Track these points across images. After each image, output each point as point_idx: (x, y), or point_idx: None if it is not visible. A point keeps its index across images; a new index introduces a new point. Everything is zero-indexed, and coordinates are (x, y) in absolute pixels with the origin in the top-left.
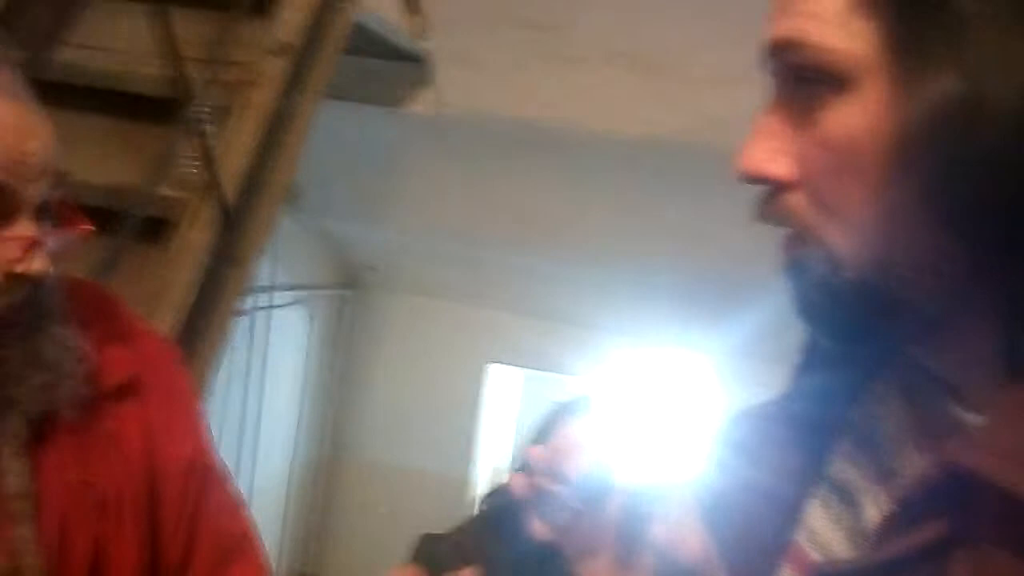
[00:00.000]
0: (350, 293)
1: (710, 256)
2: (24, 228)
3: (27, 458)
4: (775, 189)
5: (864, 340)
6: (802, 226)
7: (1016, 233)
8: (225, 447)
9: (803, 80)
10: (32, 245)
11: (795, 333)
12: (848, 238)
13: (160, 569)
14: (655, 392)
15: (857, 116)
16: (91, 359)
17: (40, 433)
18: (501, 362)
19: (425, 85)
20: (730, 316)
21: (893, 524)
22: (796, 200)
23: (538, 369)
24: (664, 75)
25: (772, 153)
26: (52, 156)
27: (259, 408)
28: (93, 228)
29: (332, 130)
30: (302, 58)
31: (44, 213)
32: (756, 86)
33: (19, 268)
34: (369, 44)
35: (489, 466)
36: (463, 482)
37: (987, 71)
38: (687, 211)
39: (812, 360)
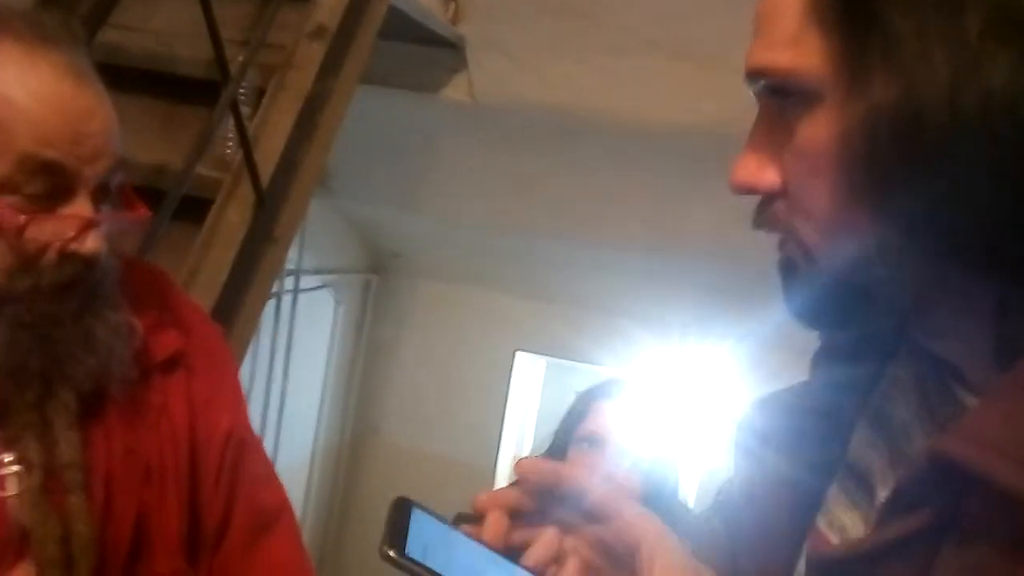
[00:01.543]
0: (377, 278)
1: (742, 245)
2: (80, 208)
3: (79, 430)
4: (765, 199)
5: (849, 327)
6: (785, 230)
7: (962, 226)
8: None
9: (779, 98)
10: (87, 225)
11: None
12: (818, 235)
13: (199, 538)
14: (681, 381)
15: (820, 126)
16: (141, 336)
17: (90, 406)
18: (527, 350)
19: (459, 71)
20: (761, 306)
21: (889, 511)
22: (781, 208)
23: (564, 358)
24: (702, 63)
25: (760, 166)
26: (113, 139)
27: (283, 391)
28: (151, 213)
29: (364, 114)
30: (339, 42)
31: (103, 195)
32: None
33: (72, 247)
34: (404, 29)
35: (512, 453)
36: (486, 468)
37: (916, 81)
38: (721, 200)
39: (831, 347)
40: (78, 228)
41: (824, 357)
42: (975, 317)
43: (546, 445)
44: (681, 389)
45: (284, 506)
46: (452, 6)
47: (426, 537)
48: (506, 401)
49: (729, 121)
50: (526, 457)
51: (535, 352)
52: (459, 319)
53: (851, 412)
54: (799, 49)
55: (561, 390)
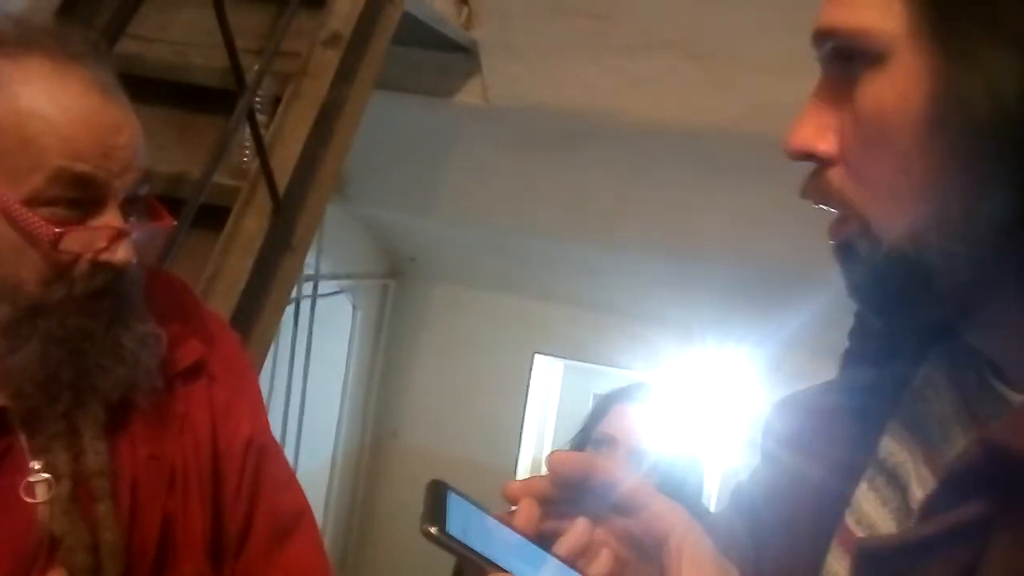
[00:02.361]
0: (394, 282)
1: (760, 247)
2: (110, 218)
3: (105, 438)
4: (819, 166)
5: (906, 313)
6: (842, 201)
7: None
8: None
9: (842, 60)
10: (118, 235)
11: (843, 326)
12: (882, 209)
13: (222, 543)
14: (700, 383)
15: (887, 88)
16: (164, 344)
17: (116, 414)
18: (545, 352)
19: (473, 76)
20: (779, 308)
21: (935, 502)
22: (836, 175)
23: (583, 360)
24: (716, 63)
25: (817, 130)
26: (140, 151)
27: (303, 396)
28: (176, 223)
29: (379, 119)
30: (353, 49)
31: (131, 206)
32: (811, 73)
33: (103, 256)
34: (418, 35)
35: (531, 455)
36: (506, 471)
37: (1015, 51)
38: (738, 201)
39: (861, 345)
40: (109, 238)
41: (852, 358)
42: (1022, 313)
43: (566, 447)
44: (700, 391)
45: (304, 511)
46: (465, 11)
47: (463, 519)
48: (525, 404)
49: (744, 120)
50: (558, 449)
51: (553, 355)
52: (476, 322)
53: (878, 413)
54: (876, 8)
55: (580, 393)
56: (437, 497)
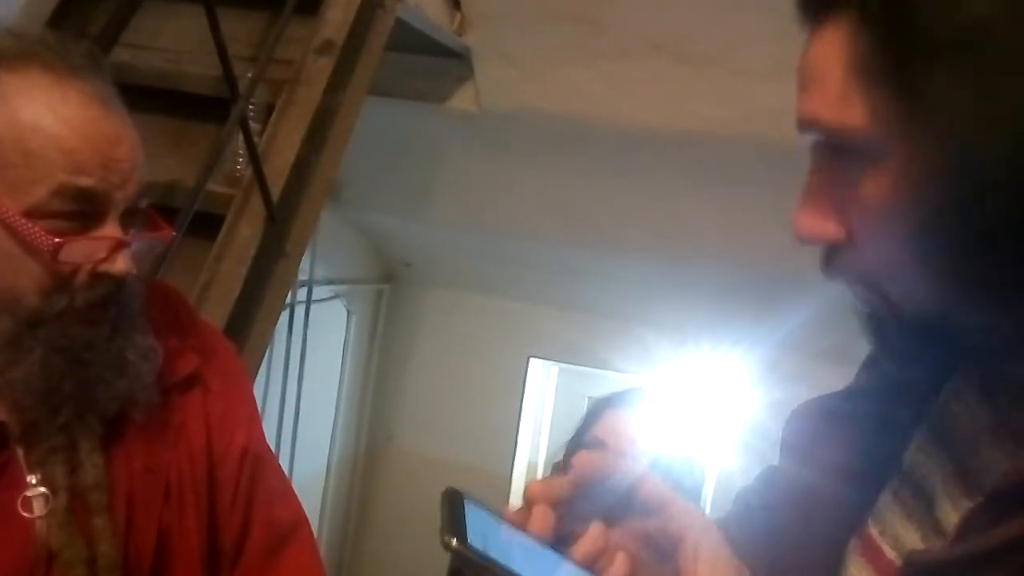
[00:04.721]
0: (388, 287)
1: (755, 250)
2: (111, 230)
3: (102, 452)
4: (831, 249)
5: (941, 358)
6: (860, 279)
7: None
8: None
9: (838, 149)
10: (118, 246)
11: (838, 329)
12: (901, 285)
13: (218, 553)
14: (696, 386)
15: (882, 183)
16: (160, 356)
17: (112, 427)
18: (540, 356)
19: (466, 81)
20: (774, 311)
21: (978, 519)
22: (850, 255)
23: (577, 364)
24: (709, 68)
25: (820, 217)
26: (139, 163)
27: (298, 401)
28: (175, 233)
29: (372, 125)
30: (346, 56)
31: (131, 217)
32: None
33: (103, 267)
34: (410, 41)
35: (526, 459)
36: (501, 475)
37: (974, 143)
38: (732, 205)
39: (885, 355)
40: (109, 249)
41: (875, 366)
42: None
43: (561, 451)
44: (695, 394)
45: (300, 520)
46: (458, 16)
47: (481, 528)
48: (520, 407)
49: (736, 125)
50: (583, 452)
51: (548, 358)
52: (471, 327)
53: (901, 422)
54: (845, 108)
55: (575, 396)
56: (454, 507)
